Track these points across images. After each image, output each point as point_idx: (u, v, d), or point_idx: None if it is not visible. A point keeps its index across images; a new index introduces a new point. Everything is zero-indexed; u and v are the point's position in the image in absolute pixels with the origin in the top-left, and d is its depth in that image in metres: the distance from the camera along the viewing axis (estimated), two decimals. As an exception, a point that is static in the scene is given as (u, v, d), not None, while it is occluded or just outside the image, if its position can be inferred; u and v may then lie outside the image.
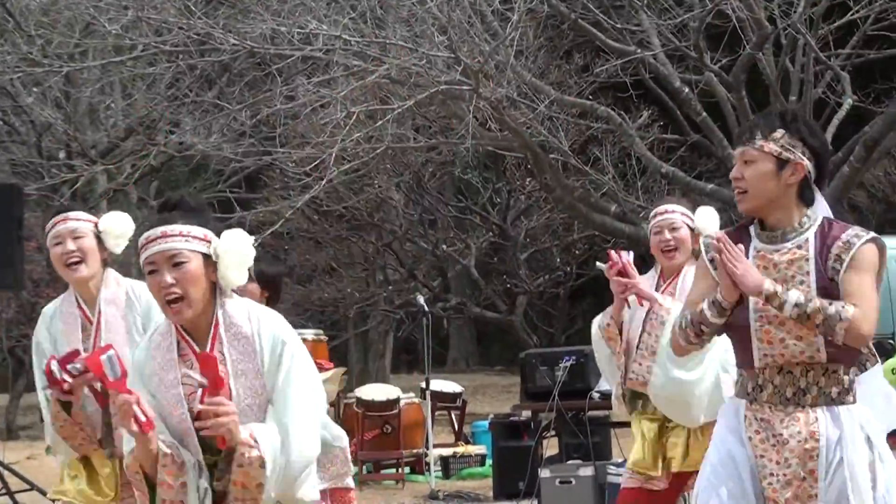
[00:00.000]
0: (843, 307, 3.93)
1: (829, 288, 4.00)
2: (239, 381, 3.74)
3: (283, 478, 3.71)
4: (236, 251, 3.79)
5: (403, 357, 28.43)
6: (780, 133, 4.07)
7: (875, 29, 16.04)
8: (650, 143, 17.30)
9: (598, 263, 5.94)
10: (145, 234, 3.79)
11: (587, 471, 9.74)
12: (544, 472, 9.82)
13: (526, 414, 11.24)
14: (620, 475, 9.38)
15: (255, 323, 3.78)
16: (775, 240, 4.09)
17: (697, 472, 5.68)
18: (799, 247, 4.06)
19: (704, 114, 15.45)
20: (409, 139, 18.25)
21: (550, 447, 11.17)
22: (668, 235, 5.86)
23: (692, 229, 5.91)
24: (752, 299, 4.04)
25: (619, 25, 15.53)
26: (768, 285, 3.95)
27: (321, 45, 14.56)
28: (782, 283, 4.00)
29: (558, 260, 23.89)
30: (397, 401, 13.15)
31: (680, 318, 4.16)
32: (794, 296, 3.94)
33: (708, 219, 5.95)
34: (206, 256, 3.76)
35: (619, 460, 9.99)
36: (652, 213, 6.01)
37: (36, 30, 18.31)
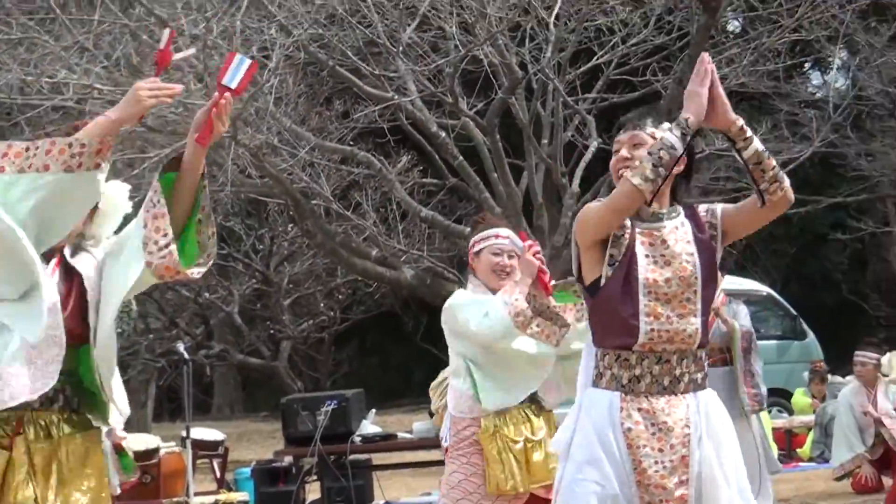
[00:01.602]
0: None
1: (710, 264, 4.21)
2: None
3: None
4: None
5: (166, 405, 28.01)
6: (667, 125, 4.22)
7: (617, 73, 16.50)
8: (410, 187, 17.42)
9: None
10: None
11: (347, 514, 9.71)
12: (307, 517, 9.75)
13: (288, 459, 11.16)
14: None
15: None
16: (659, 218, 4.24)
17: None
18: (677, 228, 4.23)
19: (461, 158, 15.62)
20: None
21: (313, 492, 11.13)
22: (507, 261, 5.95)
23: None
24: (641, 277, 4.13)
25: (376, 72, 15.61)
26: (739, 119, 4.11)
27: (73, 95, 14.25)
28: (671, 258, 4.16)
29: (322, 305, 23.91)
30: (157, 450, 12.91)
31: (632, 170, 4.10)
32: (757, 141, 4.14)
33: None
34: None
35: (381, 503, 10.01)
36: (492, 233, 6.03)
37: None
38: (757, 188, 4.18)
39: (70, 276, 3.98)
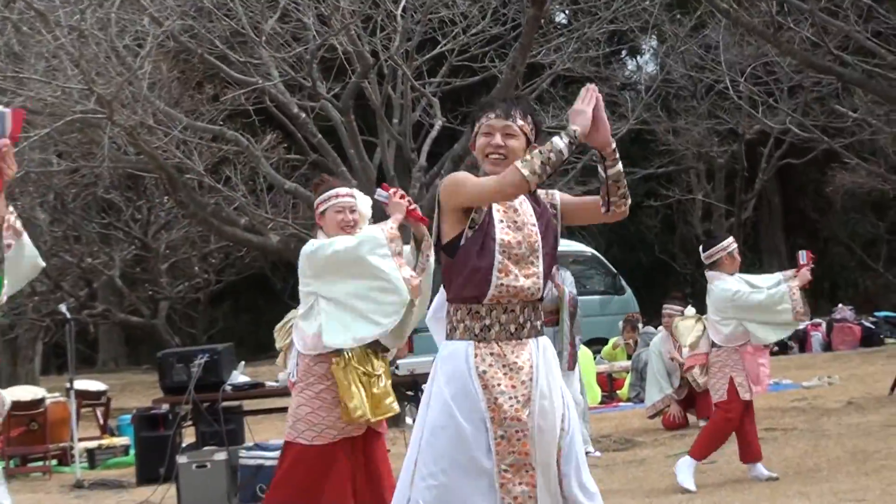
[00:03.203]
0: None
1: (548, 233, 4.33)
2: None
3: None
4: None
5: (54, 361, 27.45)
6: (529, 119, 4.36)
7: (459, 60, 16.53)
8: (275, 162, 17.29)
9: (378, 193, 5.84)
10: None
11: (221, 455, 9.57)
12: (182, 458, 9.59)
13: (165, 407, 10.96)
14: (252, 457, 9.38)
15: None
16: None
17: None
18: (522, 203, 4.31)
19: (320, 136, 15.53)
20: (51, 164, 17.60)
21: (189, 436, 10.97)
22: (349, 216, 5.92)
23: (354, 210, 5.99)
24: (497, 238, 4.20)
25: (242, 59, 15.43)
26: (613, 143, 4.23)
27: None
28: (521, 225, 4.27)
29: (197, 268, 23.64)
30: (42, 400, 12.68)
31: (521, 162, 4.07)
32: (620, 164, 4.28)
33: (366, 203, 6.10)
34: None
35: (250, 444, 9.89)
36: (332, 193, 5.95)
37: None
38: (607, 199, 4.28)
39: None
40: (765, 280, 8.49)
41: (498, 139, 4.30)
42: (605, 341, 17.02)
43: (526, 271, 4.23)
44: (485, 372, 4.15)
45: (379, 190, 5.90)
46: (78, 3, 13.41)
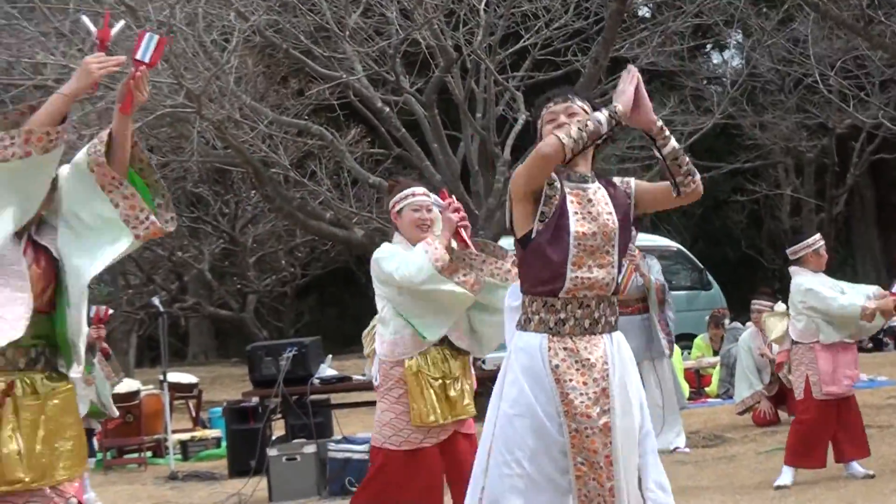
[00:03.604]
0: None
1: (625, 223, 4.24)
2: None
3: None
4: None
5: (147, 353, 27.79)
6: (587, 104, 4.35)
7: (542, 54, 16.45)
8: (359, 157, 17.34)
9: (436, 200, 5.84)
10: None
11: (310, 448, 9.64)
12: (272, 451, 9.67)
13: (255, 400, 11.06)
14: (340, 451, 9.42)
15: None
16: (583, 181, 4.24)
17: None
18: (597, 190, 4.25)
19: (404, 130, 15.55)
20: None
21: (279, 429, 11.05)
22: (427, 215, 5.85)
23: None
24: (572, 230, 4.13)
25: (326, 54, 15.49)
26: (659, 121, 4.16)
27: (53, 75, 14.06)
28: (596, 215, 4.19)
29: (283, 262, 23.81)
30: (137, 392, 12.84)
31: (563, 132, 4.07)
32: (674, 140, 4.19)
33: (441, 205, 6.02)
34: None
35: (338, 437, 9.94)
36: (409, 192, 5.90)
37: None
38: (673, 181, 4.21)
39: (37, 251, 3.93)
40: (851, 289, 8.31)
41: (562, 118, 4.28)
42: (691, 337, 16.84)
43: (601, 261, 4.17)
44: (557, 366, 4.12)
45: (436, 197, 5.88)
46: (167, -2, 13.57)
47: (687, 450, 10.23)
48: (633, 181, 4.39)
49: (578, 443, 4.10)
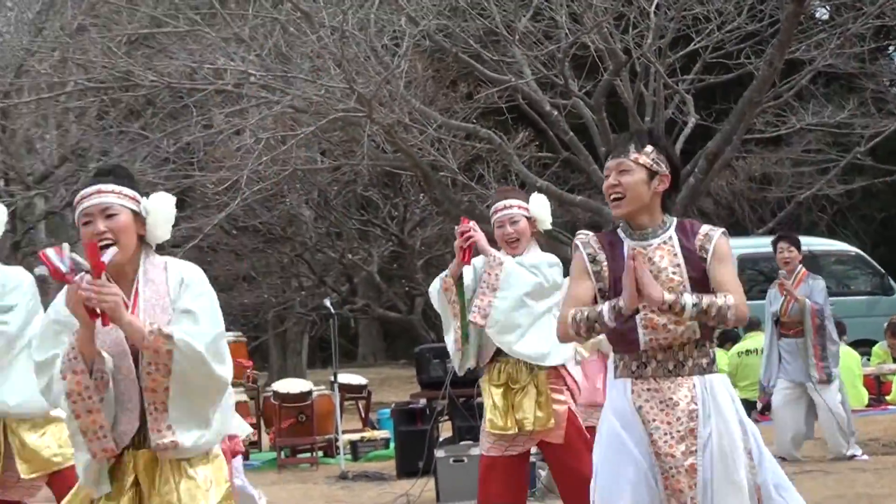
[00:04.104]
0: (725, 297, 4.03)
1: (699, 275, 4.11)
2: (147, 314, 3.68)
3: (192, 353, 3.61)
4: (163, 210, 3.78)
5: (319, 354, 28.25)
6: (650, 149, 4.14)
7: (714, 57, 16.21)
8: (527, 160, 17.35)
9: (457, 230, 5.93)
10: (81, 192, 3.76)
11: (477, 450, 9.61)
12: (440, 453, 9.70)
13: (422, 401, 11.14)
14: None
15: (169, 269, 3.78)
16: (645, 237, 4.15)
17: (548, 432, 5.72)
18: (664, 242, 4.14)
19: (571, 133, 15.51)
20: (315, 161, 18.19)
21: (445, 430, 11.11)
22: (510, 229, 5.88)
23: (528, 218, 5.90)
24: None
25: (495, 58, 15.54)
26: (668, 296, 3.97)
27: (232, 80, 14.43)
28: (657, 273, 4.07)
29: (450, 265, 23.88)
30: (310, 393, 13.02)
31: (574, 311, 4.07)
32: (689, 299, 3.99)
33: (542, 206, 6.02)
34: (136, 213, 3.75)
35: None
36: (493, 209, 5.96)
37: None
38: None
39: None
40: None
41: (612, 179, 4.16)
42: (871, 343, 16.36)
43: (676, 318, 4.06)
44: (640, 407, 4.09)
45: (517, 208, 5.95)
46: (340, 4, 13.79)
47: (865, 457, 9.97)
48: (716, 238, 4.17)
49: (670, 485, 4.05)
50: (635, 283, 3.90)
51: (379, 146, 16.77)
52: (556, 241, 15.70)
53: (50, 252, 3.64)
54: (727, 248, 4.16)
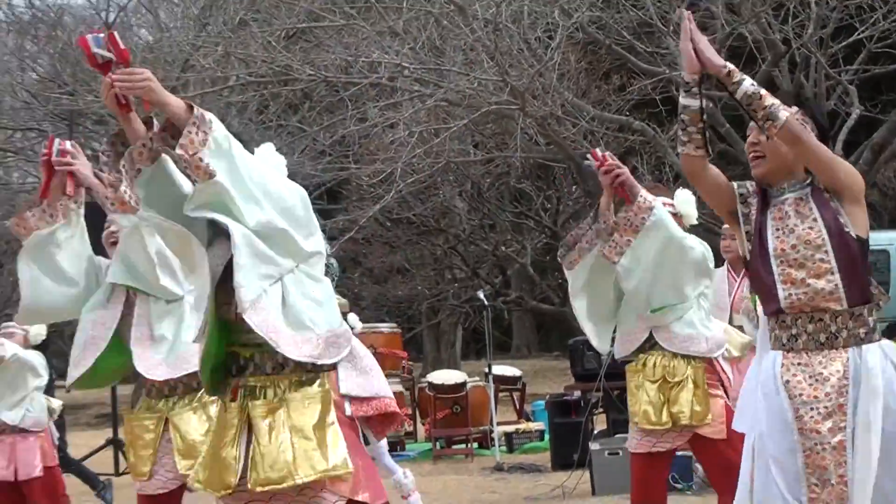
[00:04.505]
0: (782, 108, 3.94)
1: (835, 219, 3.99)
2: None
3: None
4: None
5: (472, 346, 28.39)
6: (794, 109, 4.08)
7: (879, 47, 15.76)
8: (681, 152, 17.09)
9: (585, 162, 5.80)
10: None
11: (634, 444, 9.60)
12: (594, 445, 9.69)
13: (576, 394, 11.13)
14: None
15: None
16: (780, 194, 4.10)
17: (704, 426, 5.63)
18: (801, 199, 4.07)
19: (728, 125, 15.27)
20: (468, 154, 18.26)
21: (600, 423, 11.08)
22: None
23: (674, 214, 5.83)
24: (771, 247, 4.02)
25: (649, 49, 15.40)
26: (729, 64, 3.94)
27: (386, 73, 14.58)
28: (794, 226, 4.01)
29: (604, 257, 23.76)
30: (464, 384, 13.10)
31: (678, 144, 4.10)
32: (749, 83, 3.95)
33: (687, 201, 5.95)
34: None
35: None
36: None
37: (142, 65, 18.42)
38: (757, 125, 4.02)
39: None
40: None
41: (753, 136, 4.12)
42: None
43: (816, 272, 3.95)
44: (788, 381, 3.99)
45: (588, 159, 5.69)
46: (494, -3, 13.84)
47: None
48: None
49: (812, 462, 3.94)
50: (691, 44, 3.89)
51: (532, 138, 16.76)
52: (710, 233, 15.54)
53: (91, 38, 3.50)
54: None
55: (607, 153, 5.59)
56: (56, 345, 9.73)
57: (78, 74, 19.41)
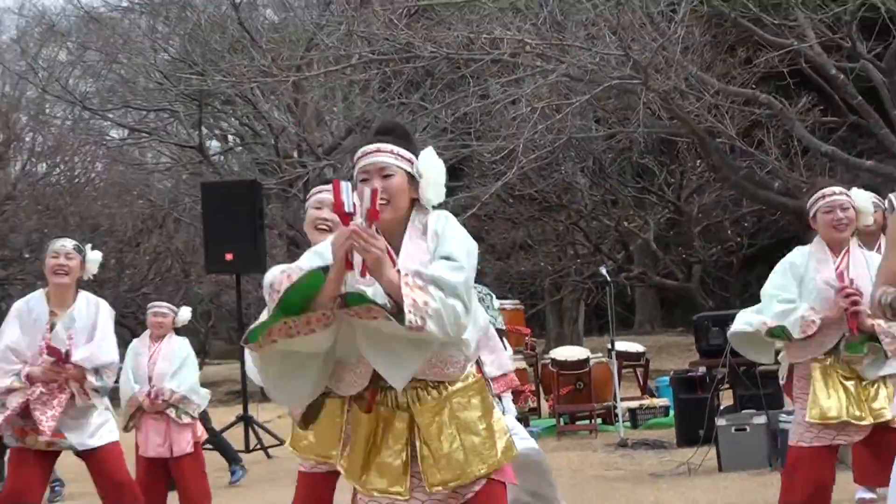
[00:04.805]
0: None
1: None
2: (406, 263, 3.64)
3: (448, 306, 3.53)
4: (433, 172, 3.76)
5: (595, 322, 28.26)
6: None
7: None
8: (810, 125, 16.79)
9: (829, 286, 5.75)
10: (361, 149, 3.78)
11: (761, 419, 9.51)
12: (721, 421, 9.61)
13: (702, 370, 11.02)
14: (790, 423, 9.21)
15: (428, 225, 3.74)
16: None
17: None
18: None
19: (860, 97, 14.93)
20: (590, 129, 18.16)
21: (725, 399, 10.96)
22: (840, 214, 5.74)
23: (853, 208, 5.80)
24: None
25: (776, 21, 15.11)
26: None
27: (508, 50, 14.54)
28: None
29: (729, 232, 23.51)
30: (587, 360, 13.06)
31: (881, 294, 3.58)
32: None
33: (864, 199, 5.86)
34: (410, 175, 3.74)
35: (790, 408, 9.72)
36: (819, 195, 5.81)
37: (268, 45, 18.68)
38: None
39: None
40: None
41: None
42: None
43: None
44: None
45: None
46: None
47: None
48: None
49: None
50: None
51: (655, 113, 16.59)
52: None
53: (345, 185, 3.56)
54: None
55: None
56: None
57: (207, 55, 19.76)
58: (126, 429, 8.19)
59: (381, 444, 3.74)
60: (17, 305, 6.54)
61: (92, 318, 6.52)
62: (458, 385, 3.73)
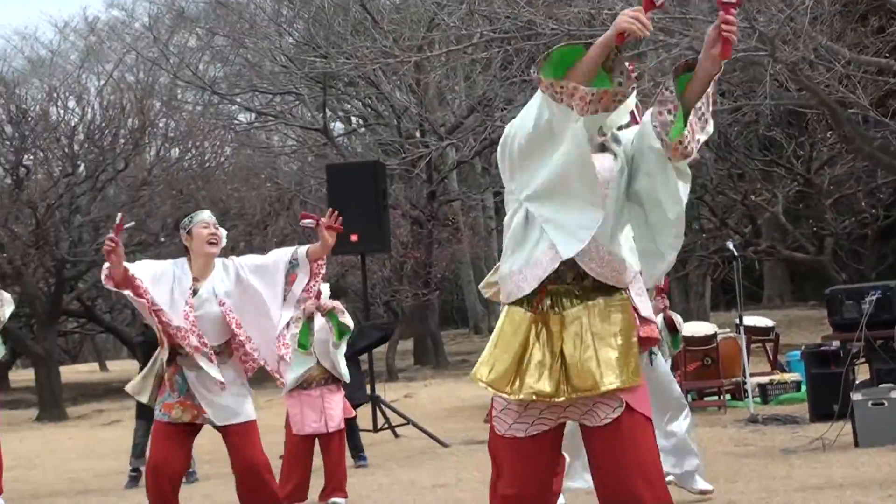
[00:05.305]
0: None
1: None
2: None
3: None
4: None
5: (722, 297, 27.92)
6: None
7: None
8: (946, 94, 16.28)
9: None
10: None
11: (898, 393, 9.24)
12: (857, 396, 9.35)
13: (835, 344, 10.76)
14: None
15: None
16: None
17: None
18: None
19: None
20: (715, 103, 17.84)
21: (862, 373, 10.69)
22: None
23: None
24: None
25: (911, -11, 14.66)
26: None
27: (629, 24, 14.34)
28: None
29: (864, 204, 22.98)
30: (714, 336, 12.87)
31: None
32: None
33: None
34: None
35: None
36: None
37: (390, 26, 18.74)
38: None
39: None
40: None
41: None
42: None
43: None
44: None
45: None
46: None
47: None
48: None
49: None
50: None
51: (782, 85, 16.22)
52: None
53: None
54: None
55: None
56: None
57: (330, 38, 19.91)
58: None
59: (541, 348, 3.75)
60: (171, 265, 6.47)
61: (232, 279, 6.44)
62: (608, 297, 3.77)
